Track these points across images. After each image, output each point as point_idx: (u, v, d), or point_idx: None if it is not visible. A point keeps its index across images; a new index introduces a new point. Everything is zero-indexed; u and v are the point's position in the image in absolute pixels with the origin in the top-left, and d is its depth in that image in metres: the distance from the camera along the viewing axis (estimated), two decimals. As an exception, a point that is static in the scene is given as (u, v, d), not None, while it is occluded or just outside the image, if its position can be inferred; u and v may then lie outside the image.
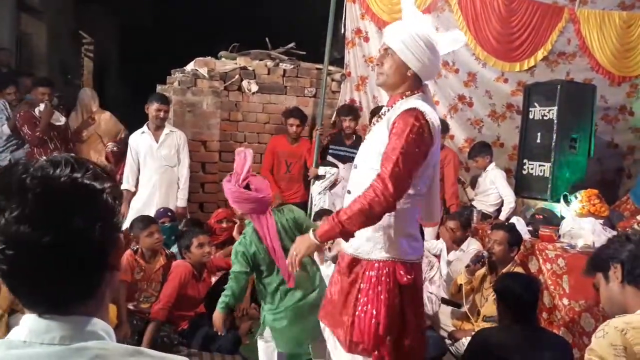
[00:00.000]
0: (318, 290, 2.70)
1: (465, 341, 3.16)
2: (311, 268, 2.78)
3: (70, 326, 0.77)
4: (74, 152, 4.75)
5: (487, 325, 3.27)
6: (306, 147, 5.02)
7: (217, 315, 2.75)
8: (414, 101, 2.00)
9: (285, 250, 2.54)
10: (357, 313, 2.02)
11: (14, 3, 6.85)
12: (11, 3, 6.78)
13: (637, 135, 5.91)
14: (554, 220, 4.10)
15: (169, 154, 4.46)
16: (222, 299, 2.74)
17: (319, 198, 4.79)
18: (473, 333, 2.94)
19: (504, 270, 3.44)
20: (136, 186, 4.47)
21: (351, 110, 4.99)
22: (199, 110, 5.05)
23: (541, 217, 4.18)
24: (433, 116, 1.98)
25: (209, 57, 5.30)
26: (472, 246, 4.08)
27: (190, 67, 5.17)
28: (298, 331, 2.68)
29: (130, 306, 3.52)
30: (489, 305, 3.44)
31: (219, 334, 2.91)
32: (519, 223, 3.98)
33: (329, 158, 4.97)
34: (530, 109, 4.85)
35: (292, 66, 5.40)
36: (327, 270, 3.11)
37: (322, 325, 2.25)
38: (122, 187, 4.36)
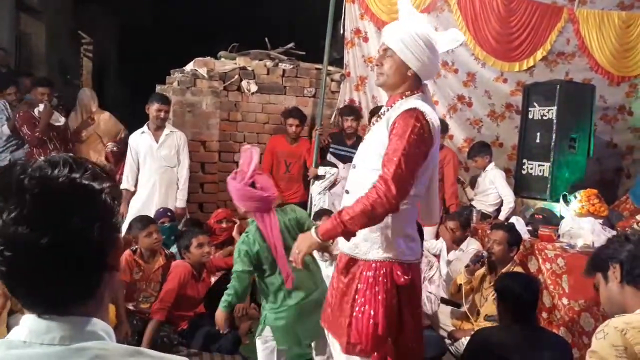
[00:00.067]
0: (319, 289, 2.71)
1: (464, 341, 3.16)
2: (313, 267, 2.78)
3: (70, 326, 0.77)
4: (73, 152, 4.75)
5: (488, 324, 3.27)
6: (305, 147, 5.03)
7: (220, 314, 2.75)
8: (414, 101, 2.00)
9: (287, 250, 2.55)
10: (354, 314, 2.01)
11: (13, 3, 6.85)
12: (10, 3, 6.77)
13: (636, 135, 5.91)
14: (553, 220, 4.10)
15: (169, 154, 4.46)
16: (224, 297, 2.73)
17: (318, 198, 4.79)
18: (473, 333, 2.94)
19: (503, 270, 3.44)
20: (135, 186, 4.47)
21: (353, 110, 5.01)
22: (199, 110, 5.05)
23: (540, 216, 4.18)
24: (433, 116, 1.98)
25: (209, 57, 5.30)
26: (471, 246, 4.08)
27: (189, 67, 5.17)
28: (299, 330, 2.68)
29: (130, 306, 3.52)
30: (488, 305, 3.44)
31: (222, 332, 2.91)
32: (518, 223, 3.98)
33: (330, 157, 4.97)
34: (530, 108, 4.85)
35: (291, 66, 5.40)
36: (327, 270, 3.12)
37: (325, 330, 2.25)
38: (122, 186, 4.36)
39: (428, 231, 4.32)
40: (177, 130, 4.57)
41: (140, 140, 4.45)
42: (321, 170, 4.79)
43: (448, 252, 4.27)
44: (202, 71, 5.08)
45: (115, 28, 10.97)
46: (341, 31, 5.37)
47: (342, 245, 2.13)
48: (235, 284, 2.68)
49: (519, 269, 3.45)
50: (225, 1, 9.31)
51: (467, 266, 3.58)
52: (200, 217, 4.82)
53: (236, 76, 5.22)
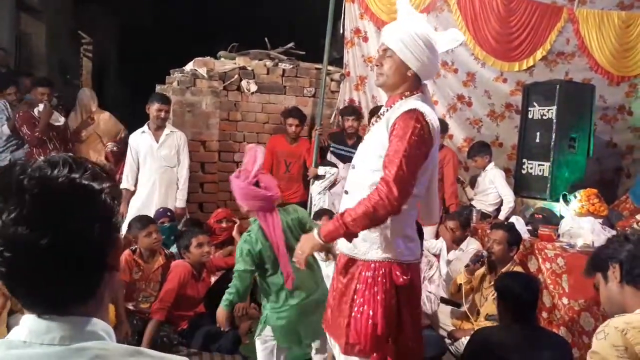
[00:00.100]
0: (320, 288, 2.71)
1: (464, 340, 3.16)
2: (314, 267, 2.78)
3: (70, 326, 0.77)
4: (73, 152, 4.75)
5: (488, 323, 3.28)
6: (305, 146, 5.02)
7: (221, 312, 2.75)
8: (414, 102, 2.00)
9: (289, 249, 2.56)
10: (353, 314, 2.01)
11: (13, 3, 6.84)
12: (10, 3, 6.77)
13: (636, 135, 5.92)
14: (553, 220, 4.10)
15: (169, 154, 4.46)
16: (226, 296, 2.72)
17: (318, 198, 4.78)
18: (472, 332, 2.94)
19: (503, 270, 3.44)
20: (135, 185, 4.47)
21: (354, 110, 5.02)
22: (198, 110, 5.05)
23: (540, 216, 4.18)
24: (432, 117, 1.98)
25: (208, 57, 5.30)
26: (471, 246, 4.08)
27: (189, 67, 5.17)
28: (301, 329, 2.69)
29: (130, 306, 3.52)
30: (488, 305, 3.44)
31: (222, 329, 2.91)
32: (518, 222, 3.98)
33: (330, 156, 4.97)
34: (529, 108, 4.85)
35: (291, 66, 5.39)
36: (327, 270, 3.12)
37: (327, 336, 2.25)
38: (122, 186, 4.36)
39: (428, 231, 4.32)
40: (177, 130, 4.57)
41: (140, 139, 4.45)
42: (321, 170, 4.78)
43: (448, 251, 4.27)
44: (202, 71, 5.08)
45: (115, 28, 10.97)
46: (341, 31, 5.37)
47: (341, 246, 2.13)
48: (237, 283, 2.68)
49: (518, 269, 3.45)
50: (225, 1, 9.30)
51: (467, 266, 3.58)
52: (200, 217, 4.82)
53: (236, 76, 5.21)
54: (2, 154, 4.86)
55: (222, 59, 5.36)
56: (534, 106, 4.80)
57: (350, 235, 1.93)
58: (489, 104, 5.64)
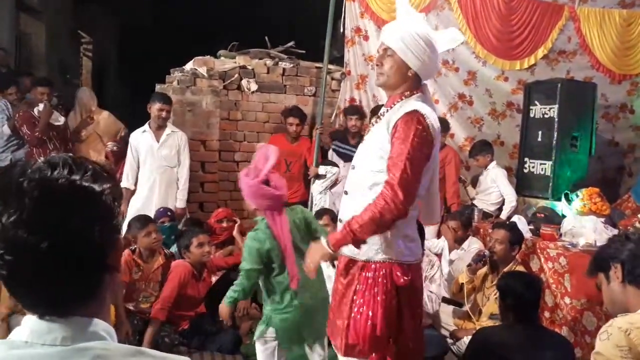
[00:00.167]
0: (324, 289, 2.72)
1: (466, 340, 3.15)
2: (318, 268, 2.78)
3: (72, 327, 0.77)
4: (73, 151, 4.74)
5: (490, 323, 3.27)
6: (306, 146, 5.02)
7: (224, 309, 2.75)
8: (414, 102, 1.99)
9: (296, 249, 2.57)
10: (352, 315, 2.01)
11: (13, 3, 6.83)
12: (10, 3, 6.76)
13: (637, 134, 5.91)
14: (555, 219, 4.09)
15: (170, 154, 4.46)
16: (230, 293, 2.71)
17: (319, 197, 4.78)
18: (474, 332, 2.94)
19: (505, 269, 3.43)
20: (135, 184, 4.47)
21: (357, 109, 5.01)
22: (199, 109, 5.04)
23: (542, 215, 4.17)
24: (433, 117, 1.98)
25: (208, 56, 5.29)
26: (473, 245, 4.07)
27: (189, 66, 5.16)
28: (304, 329, 2.68)
29: (130, 306, 3.51)
30: (490, 304, 3.43)
31: (225, 322, 2.91)
32: (520, 222, 3.97)
33: (332, 154, 4.96)
34: (531, 107, 4.84)
35: (291, 65, 5.38)
36: (327, 270, 3.11)
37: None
38: (122, 185, 4.35)
39: (430, 230, 4.31)
40: (178, 131, 4.57)
41: (141, 139, 4.45)
42: (322, 170, 4.78)
43: (450, 251, 4.26)
44: (202, 70, 5.07)
45: (115, 28, 10.96)
46: (341, 30, 5.36)
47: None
48: (243, 281, 2.65)
49: (520, 268, 3.44)
50: (225, 1, 9.29)
51: (469, 265, 3.57)
52: (200, 217, 4.81)
53: (236, 75, 5.21)
54: (3, 154, 4.86)
55: (222, 58, 5.35)
56: (536, 105, 4.79)
57: (358, 242, 1.94)
58: (490, 103, 5.63)
